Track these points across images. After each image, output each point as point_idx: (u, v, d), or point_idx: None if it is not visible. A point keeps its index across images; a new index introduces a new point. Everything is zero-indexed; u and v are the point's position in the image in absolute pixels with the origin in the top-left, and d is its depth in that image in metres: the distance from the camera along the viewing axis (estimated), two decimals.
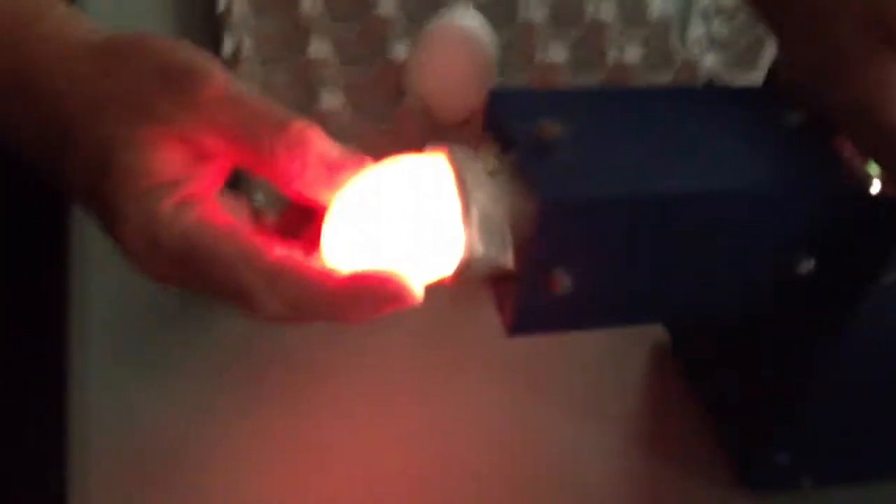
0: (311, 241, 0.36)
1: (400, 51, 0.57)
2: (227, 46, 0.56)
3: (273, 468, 0.43)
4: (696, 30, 0.64)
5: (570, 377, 0.48)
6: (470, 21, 0.54)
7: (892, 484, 0.45)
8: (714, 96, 0.39)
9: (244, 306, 0.34)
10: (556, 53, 0.58)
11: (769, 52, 0.61)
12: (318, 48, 0.56)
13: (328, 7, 0.59)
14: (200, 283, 0.34)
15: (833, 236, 0.36)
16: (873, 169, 0.35)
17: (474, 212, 0.34)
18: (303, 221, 0.37)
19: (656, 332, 0.49)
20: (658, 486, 0.45)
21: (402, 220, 0.34)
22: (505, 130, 0.35)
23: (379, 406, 0.45)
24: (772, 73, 0.40)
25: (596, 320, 0.37)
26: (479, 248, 0.34)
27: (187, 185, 0.34)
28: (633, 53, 0.59)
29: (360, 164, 0.35)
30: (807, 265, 0.36)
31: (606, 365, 0.49)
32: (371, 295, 0.33)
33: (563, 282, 0.34)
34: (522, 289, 0.35)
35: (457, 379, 0.47)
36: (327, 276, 0.34)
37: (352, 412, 0.45)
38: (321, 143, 0.35)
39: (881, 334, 0.38)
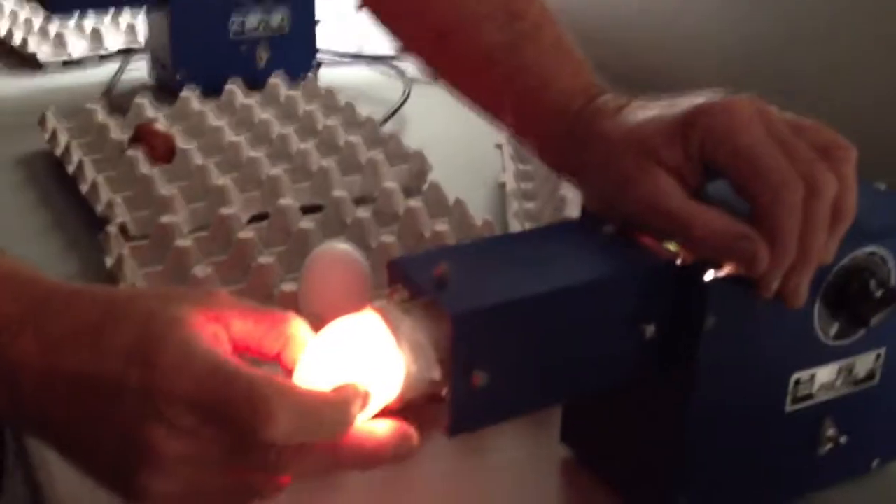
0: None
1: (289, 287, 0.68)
2: None
3: None
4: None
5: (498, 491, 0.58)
6: (342, 245, 0.67)
7: None
8: (551, 230, 0.53)
9: (255, 417, 0.41)
10: None
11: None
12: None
13: (218, 274, 0.71)
14: (222, 402, 0.41)
15: (661, 302, 0.48)
16: (673, 247, 0.49)
17: (404, 341, 0.45)
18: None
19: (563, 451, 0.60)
20: None
21: (355, 361, 0.45)
22: (410, 281, 0.47)
23: None
24: (583, 210, 0.54)
25: (516, 408, 0.48)
26: (413, 368, 0.45)
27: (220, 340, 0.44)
28: None
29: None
30: (650, 330, 0.49)
31: (527, 479, 0.59)
32: (352, 393, 0.44)
33: (481, 378, 0.45)
34: (452, 389, 0.45)
35: None
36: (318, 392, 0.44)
37: None
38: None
39: (722, 373, 0.50)
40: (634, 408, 0.53)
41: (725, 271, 0.48)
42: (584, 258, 0.49)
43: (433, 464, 0.60)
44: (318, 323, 0.50)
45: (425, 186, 0.86)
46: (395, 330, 0.45)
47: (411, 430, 0.45)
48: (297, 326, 0.47)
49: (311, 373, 0.45)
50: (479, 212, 0.82)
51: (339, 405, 0.43)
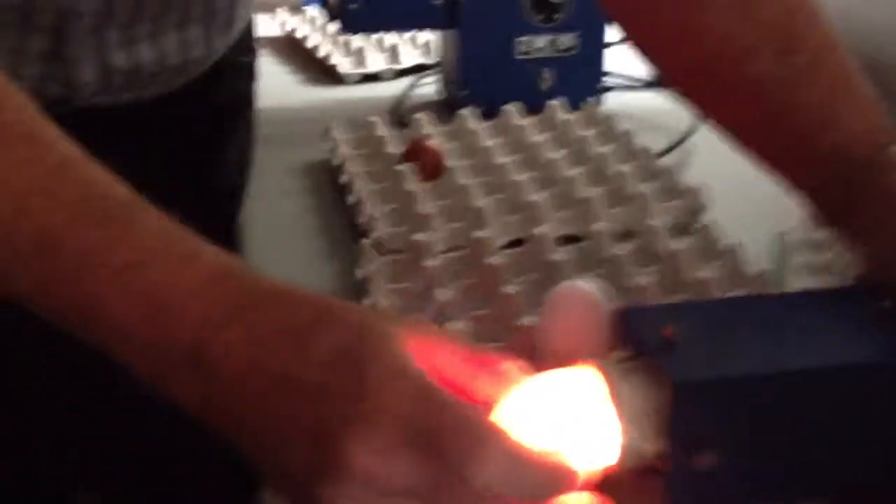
0: None
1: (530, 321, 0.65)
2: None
3: None
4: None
5: None
6: (587, 285, 0.63)
7: None
8: (813, 296, 0.45)
9: (466, 453, 0.38)
10: None
11: None
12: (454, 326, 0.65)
13: (462, 298, 0.69)
14: (432, 427, 0.38)
15: None
16: None
17: (620, 405, 0.40)
18: None
19: None
20: None
21: (565, 419, 0.41)
22: (635, 336, 0.42)
23: None
24: (858, 276, 0.46)
25: (744, 500, 0.41)
26: (627, 435, 0.40)
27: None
28: None
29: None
30: None
31: None
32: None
33: (705, 459, 0.39)
34: (670, 467, 0.39)
35: None
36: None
37: None
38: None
39: None
40: None
41: None
42: (845, 334, 0.41)
43: None
44: (550, 365, 0.46)
45: (696, 227, 0.80)
46: (613, 391, 0.40)
47: None
48: (512, 374, 0.43)
49: (515, 420, 0.42)
50: (755, 261, 0.74)
51: (554, 469, 0.40)
